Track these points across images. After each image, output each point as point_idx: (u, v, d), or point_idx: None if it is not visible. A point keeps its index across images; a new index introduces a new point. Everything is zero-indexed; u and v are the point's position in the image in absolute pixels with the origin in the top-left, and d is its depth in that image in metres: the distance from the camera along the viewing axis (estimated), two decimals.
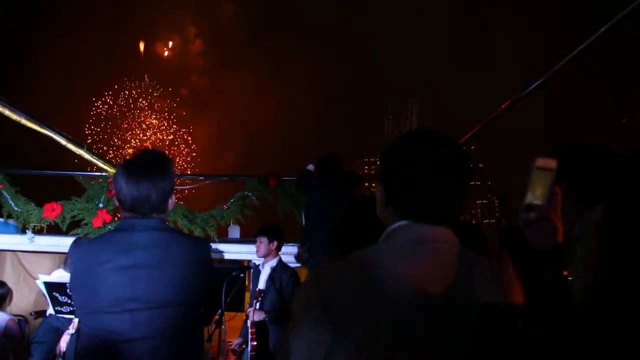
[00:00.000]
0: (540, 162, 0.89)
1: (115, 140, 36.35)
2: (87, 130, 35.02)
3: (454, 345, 0.83)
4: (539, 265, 0.95)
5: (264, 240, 3.50)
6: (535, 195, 0.90)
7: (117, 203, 1.53)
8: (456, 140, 0.96)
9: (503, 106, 3.17)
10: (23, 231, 4.25)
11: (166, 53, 41.20)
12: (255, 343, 3.23)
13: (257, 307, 3.35)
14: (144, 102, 37.72)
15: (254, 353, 3.23)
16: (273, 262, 3.53)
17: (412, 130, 1.00)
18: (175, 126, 38.53)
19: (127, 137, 36.94)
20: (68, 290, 2.90)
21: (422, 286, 0.84)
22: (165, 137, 38.40)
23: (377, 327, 0.81)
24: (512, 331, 0.83)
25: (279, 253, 3.61)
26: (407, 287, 0.84)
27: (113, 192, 1.54)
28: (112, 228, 1.53)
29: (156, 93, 37.70)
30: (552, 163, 0.90)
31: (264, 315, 3.30)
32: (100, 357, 1.38)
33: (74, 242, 3.60)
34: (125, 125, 36.87)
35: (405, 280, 0.84)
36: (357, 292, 0.83)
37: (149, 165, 1.51)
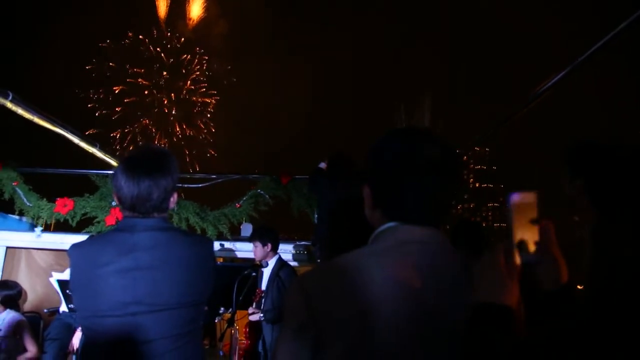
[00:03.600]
0: (518, 198, 0.83)
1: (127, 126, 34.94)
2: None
3: (446, 348, 0.80)
4: None
5: (258, 244, 3.55)
6: (523, 234, 0.83)
7: (116, 202, 1.47)
8: (445, 138, 0.92)
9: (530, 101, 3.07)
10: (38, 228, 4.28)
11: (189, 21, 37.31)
12: (248, 341, 3.27)
13: (255, 307, 3.42)
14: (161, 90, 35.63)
15: (242, 352, 3.30)
16: (272, 262, 3.58)
17: (399, 128, 0.96)
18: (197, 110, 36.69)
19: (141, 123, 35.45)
20: None
21: (410, 288, 0.81)
22: (186, 129, 36.77)
23: (365, 332, 0.78)
24: (504, 333, 0.78)
25: (278, 251, 3.66)
26: (394, 290, 0.80)
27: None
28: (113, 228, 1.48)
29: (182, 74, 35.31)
30: (530, 197, 0.83)
31: (260, 315, 3.34)
32: None
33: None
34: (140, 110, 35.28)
35: (391, 282, 0.81)
36: (342, 298, 0.80)
37: (150, 162, 1.44)
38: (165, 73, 36.04)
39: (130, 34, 35.02)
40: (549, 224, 0.85)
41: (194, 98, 36.95)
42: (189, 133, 37.29)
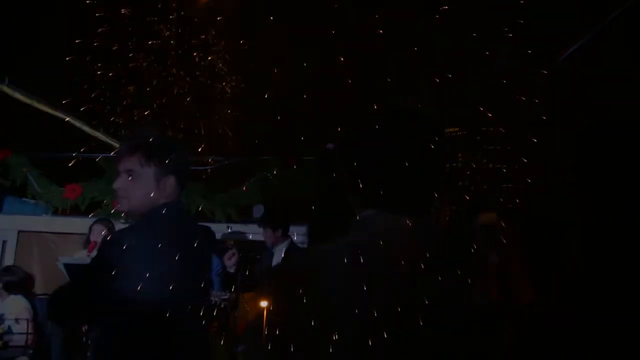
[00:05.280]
0: (484, 218, 0.90)
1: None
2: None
3: (431, 349, 0.73)
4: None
5: (268, 230, 3.47)
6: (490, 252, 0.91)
7: (171, 184, 1.52)
8: (431, 117, 0.84)
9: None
10: (53, 213, 4.34)
11: None
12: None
13: None
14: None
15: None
16: (283, 247, 3.49)
17: (381, 108, 0.89)
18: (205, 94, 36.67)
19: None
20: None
21: (387, 286, 0.74)
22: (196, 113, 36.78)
23: (337, 336, 0.71)
24: (495, 333, 0.75)
25: (289, 235, 3.56)
26: (369, 290, 0.73)
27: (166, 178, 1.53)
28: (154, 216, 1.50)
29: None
30: (492, 217, 0.91)
31: None
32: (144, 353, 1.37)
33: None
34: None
35: (366, 281, 0.73)
36: (312, 301, 0.74)
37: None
38: (173, 46, 35.66)
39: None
40: (516, 250, 0.85)
41: (204, 77, 36.40)
42: (203, 129, 36.63)
